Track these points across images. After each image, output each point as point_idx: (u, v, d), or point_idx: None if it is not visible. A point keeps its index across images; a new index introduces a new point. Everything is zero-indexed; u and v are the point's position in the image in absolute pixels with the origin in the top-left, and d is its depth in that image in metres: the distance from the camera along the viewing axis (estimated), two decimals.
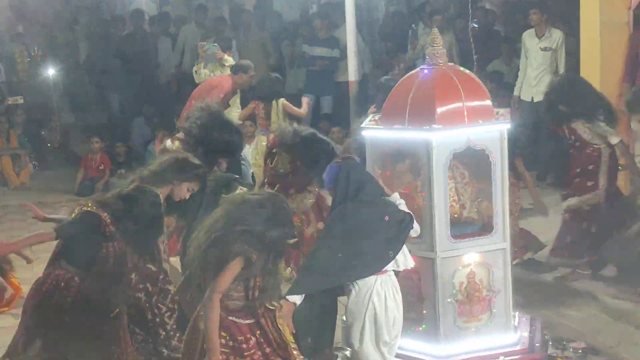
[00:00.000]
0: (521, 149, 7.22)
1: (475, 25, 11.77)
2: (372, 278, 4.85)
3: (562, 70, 9.83)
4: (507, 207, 5.33)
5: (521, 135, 7.47)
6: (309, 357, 4.89)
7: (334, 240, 4.82)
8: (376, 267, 4.85)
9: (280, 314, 4.57)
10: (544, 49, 9.94)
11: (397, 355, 5.29)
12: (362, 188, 4.88)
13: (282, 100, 8.79)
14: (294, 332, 4.69)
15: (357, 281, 4.87)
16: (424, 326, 5.34)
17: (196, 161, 5.50)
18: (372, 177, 5.12)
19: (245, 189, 5.47)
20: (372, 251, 4.82)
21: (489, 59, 11.21)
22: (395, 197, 5.02)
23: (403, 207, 4.98)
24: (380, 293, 4.87)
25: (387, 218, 4.83)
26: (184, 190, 5.36)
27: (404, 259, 4.97)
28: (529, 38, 10.13)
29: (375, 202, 4.92)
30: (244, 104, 9.47)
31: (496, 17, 12.50)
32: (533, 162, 9.11)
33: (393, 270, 4.96)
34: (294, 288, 4.80)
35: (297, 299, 4.76)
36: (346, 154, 5.30)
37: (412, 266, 5.01)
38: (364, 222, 4.82)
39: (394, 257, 4.87)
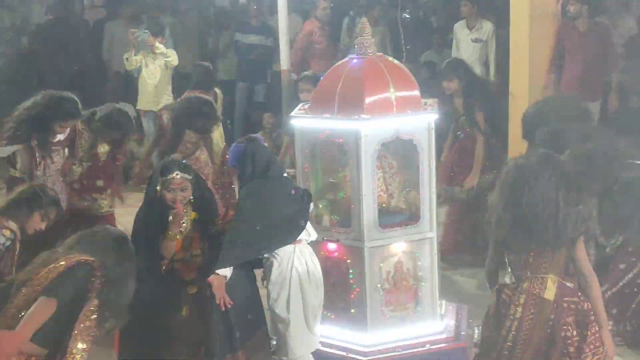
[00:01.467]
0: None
1: (407, 16, 11.84)
2: (290, 247, 5.00)
3: (492, 61, 9.94)
4: (434, 196, 5.38)
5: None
6: (250, 334, 5.02)
7: (249, 214, 4.90)
8: (293, 236, 5.00)
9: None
10: (475, 40, 10.04)
11: (325, 345, 5.33)
12: (269, 166, 5.03)
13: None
14: (232, 304, 4.84)
15: (277, 253, 4.98)
16: (351, 314, 5.36)
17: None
18: (275, 157, 5.27)
19: None
20: (286, 222, 4.97)
21: (423, 49, 11.27)
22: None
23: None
24: (300, 259, 5.01)
25: (293, 192, 5.03)
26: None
27: (312, 230, 5.14)
28: (460, 29, 10.23)
29: (281, 178, 5.11)
30: (178, 93, 9.37)
31: (430, 9, 12.58)
32: None
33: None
34: (220, 262, 4.85)
35: (227, 272, 4.85)
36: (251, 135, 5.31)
37: (315, 238, 5.17)
38: (275, 195, 4.98)
39: (304, 226, 5.02)
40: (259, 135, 5.39)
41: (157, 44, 9.33)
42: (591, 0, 9.08)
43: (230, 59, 11.62)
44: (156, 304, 4.89)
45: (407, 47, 8.06)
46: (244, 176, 5.04)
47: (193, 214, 4.98)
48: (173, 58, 9.50)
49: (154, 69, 9.56)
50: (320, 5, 10.87)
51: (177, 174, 4.88)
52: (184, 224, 4.93)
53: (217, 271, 4.84)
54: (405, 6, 12.50)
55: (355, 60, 5.37)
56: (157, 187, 4.88)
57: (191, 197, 4.95)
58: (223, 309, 4.87)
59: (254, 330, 5.13)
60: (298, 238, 5.02)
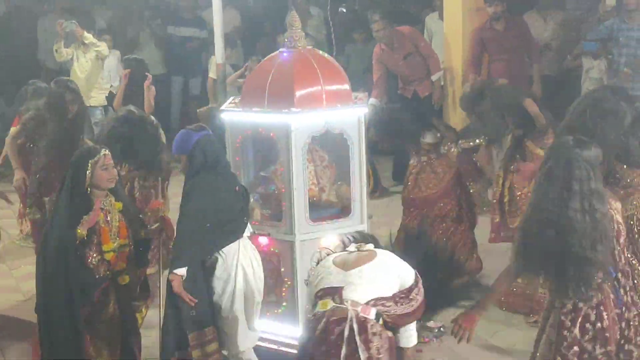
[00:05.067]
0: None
1: (344, 10, 11.86)
2: (235, 243, 4.97)
3: None
4: (364, 190, 5.41)
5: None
6: (195, 329, 4.96)
7: (197, 211, 4.86)
8: (239, 233, 4.99)
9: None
10: None
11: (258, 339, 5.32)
12: (219, 160, 4.98)
13: None
14: (195, 302, 4.84)
15: (222, 249, 4.94)
16: (283, 307, 5.37)
17: None
18: (224, 150, 5.18)
19: None
20: (233, 219, 4.96)
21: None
22: None
23: None
24: (245, 255, 5.00)
25: (237, 188, 5.01)
26: None
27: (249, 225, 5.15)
28: (432, 21, 10.14)
29: (229, 173, 5.08)
30: None
31: (368, 4, 12.56)
32: None
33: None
34: (175, 262, 4.84)
35: (183, 271, 4.83)
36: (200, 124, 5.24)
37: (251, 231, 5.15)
38: (222, 192, 4.94)
39: (247, 223, 5.05)
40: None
41: (85, 34, 9.23)
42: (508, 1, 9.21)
43: (151, 51, 11.39)
44: (85, 298, 4.80)
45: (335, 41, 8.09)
46: (193, 167, 4.92)
47: (118, 204, 4.89)
48: (103, 48, 9.41)
49: (85, 62, 9.46)
50: None
51: (105, 150, 4.81)
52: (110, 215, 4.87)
53: (174, 270, 4.80)
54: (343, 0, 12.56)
55: (285, 54, 5.37)
56: (88, 172, 4.73)
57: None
58: (193, 305, 4.85)
59: (201, 327, 5.02)
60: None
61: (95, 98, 9.69)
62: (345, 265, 4.09)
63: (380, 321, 3.94)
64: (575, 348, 3.91)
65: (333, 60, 5.57)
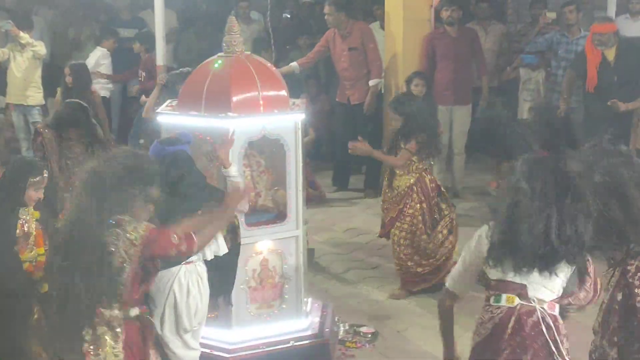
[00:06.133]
0: None
1: (288, 15, 11.88)
2: (175, 268, 4.77)
3: None
4: (301, 195, 5.44)
5: None
6: None
7: None
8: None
9: None
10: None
11: None
12: (181, 180, 4.71)
13: None
14: None
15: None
16: (216, 313, 5.37)
17: None
18: (194, 168, 4.89)
19: None
20: None
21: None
22: (233, 170, 4.96)
23: (238, 177, 4.96)
24: (182, 282, 4.80)
25: (199, 212, 4.62)
26: None
27: (216, 247, 4.86)
28: (373, 30, 10.16)
29: (190, 193, 4.73)
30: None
31: (311, 10, 12.61)
32: None
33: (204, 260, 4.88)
34: None
35: None
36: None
37: (225, 252, 4.90)
38: (177, 214, 4.47)
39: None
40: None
41: (21, 34, 9.13)
42: (464, 7, 9.35)
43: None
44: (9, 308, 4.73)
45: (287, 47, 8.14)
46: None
47: (36, 214, 4.84)
48: (40, 48, 9.32)
49: (22, 61, 9.36)
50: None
51: (45, 173, 4.78)
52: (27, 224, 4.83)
53: None
54: (286, 6, 12.58)
55: (222, 59, 5.38)
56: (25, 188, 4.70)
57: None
58: None
59: None
60: (189, 259, 4.72)
61: (33, 97, 9.58)
62: None
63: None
64: None
65: (271, 65, 5.60)
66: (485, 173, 9.76)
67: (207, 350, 5.33)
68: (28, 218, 4.82)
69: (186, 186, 4.72)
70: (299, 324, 5.52)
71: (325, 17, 9.17)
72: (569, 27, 9.11)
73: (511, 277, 3.78)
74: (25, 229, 4.78)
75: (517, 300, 3.76)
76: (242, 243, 5.16)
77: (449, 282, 4.06)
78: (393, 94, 8.63)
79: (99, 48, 10.29)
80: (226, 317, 5.35)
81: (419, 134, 6.61)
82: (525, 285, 3.77)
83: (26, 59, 9.37)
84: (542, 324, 3.75)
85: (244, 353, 5.33)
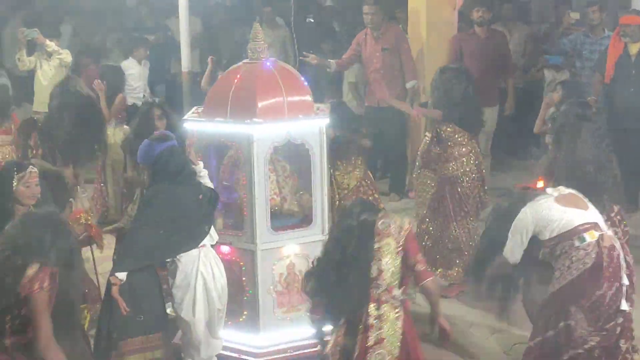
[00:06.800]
0: None
1: (312, 20, 11.89)
2: (195, 251, 5.01)
3: None
4: (325, 199, 5.47)
5: None
6: (140, 334, 4.98)
7: (152, 218, 4.91)
8: (196, 242, 5.01)
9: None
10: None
11: None
12: (180, 171, 5.00)
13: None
14: (127, 310, 4.83)
15: (180, 257, 4.99)
16: (244, 316, 5.41)
17: None
18: (189, 160, 5.14)
19: None
20: (190, 227, 4.99)
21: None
22: (200, 168, 5.16)
23: (206, 178, 5.18)
24: (205, 263, 5.04)
25: (200, 197, 5.02)
26: None
27: (214, 233, 5.17)
28: None
29: (190, 183, 5.06)
30: None
31: (334, 14, 12.63)
32: None
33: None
34: (117, 265, 4.92)
35: (123, 275, 4.85)
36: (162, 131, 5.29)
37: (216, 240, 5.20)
38: (181, 201, 4.97)
39: (208, 232, 5.06)
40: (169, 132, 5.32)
41: (47, 42, 9.20)
42: (493, 8, 9.31)
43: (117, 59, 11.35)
44: None
45: (303, 53, 8.14)
46: (155, 176, 5.01)
47: None
48: (65, 55, 9.38)
49: (48, 69, 9.42)
50: None
51: (32, 168, 4.82)
52: None
53: (115, 273, 4.85)
54: (310, 10, 12.59)
55: (248, 65, 5.42)
56: (13, 187, 4.73)
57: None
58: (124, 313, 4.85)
59: (147, 332, 5.05)
60: (202, 243, 5.03)
61: None
62: (577, 205, 4.64)
63: None
64: None
65: (295, 71, 5.64)
66: (509, 173, 9.70)
67: (235, 355, 5.40)
68: None
69: (186, 175, 5.00)
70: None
71: (364, 16, 9.07)
72: (592, 28, 9.07)
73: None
74: None
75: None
76: (267, 248, 5.27)
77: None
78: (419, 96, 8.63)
79: (130, 59, 10.24)
80: (253, 321, 5.39)
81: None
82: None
83: (52, 67, 9.41)
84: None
85: (271, 357, 5.38)
